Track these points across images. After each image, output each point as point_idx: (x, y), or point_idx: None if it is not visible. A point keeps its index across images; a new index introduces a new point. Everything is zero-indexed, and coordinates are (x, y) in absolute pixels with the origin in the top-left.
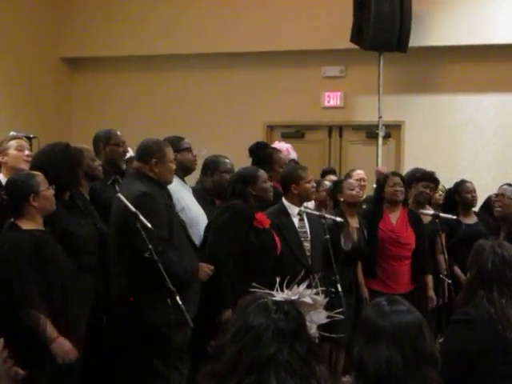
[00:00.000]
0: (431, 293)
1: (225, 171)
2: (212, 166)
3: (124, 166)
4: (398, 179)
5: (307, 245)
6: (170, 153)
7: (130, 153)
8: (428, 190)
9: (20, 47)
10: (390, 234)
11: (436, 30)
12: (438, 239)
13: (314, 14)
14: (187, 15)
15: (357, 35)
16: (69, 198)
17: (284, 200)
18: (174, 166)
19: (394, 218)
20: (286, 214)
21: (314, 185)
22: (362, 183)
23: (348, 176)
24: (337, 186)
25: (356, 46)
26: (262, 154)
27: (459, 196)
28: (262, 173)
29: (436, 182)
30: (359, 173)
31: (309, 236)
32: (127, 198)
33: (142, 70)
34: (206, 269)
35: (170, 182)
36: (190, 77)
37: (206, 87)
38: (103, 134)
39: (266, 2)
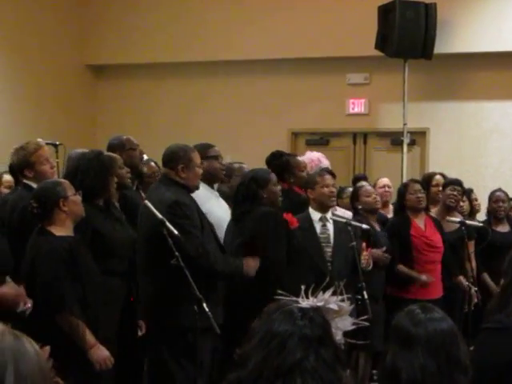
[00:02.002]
0: (469, 288)
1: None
2: (227, 172)
3: (144, 169)
4: (418, 186)
5: (329, 250)
6: (196, 158)
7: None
8: (456, 193)
9: (46, 55)
10: (423, 240)
11: (461, 36)
12: (465, 246)
13: (339, 21)
14: (211, 23)
15: (381, 42)
16: (103, 204)
17: (310, 207)
18: (200, 171)
19: (421, 223)
20: (308, 220)
21: (333, 190)
22: (387, 189)
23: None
24: (354, 194)
25: (381, 53)
26: (279, 162)
27: (489, 205)
28: (273, 176)
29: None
30: (383, 180)
31: (331, 242)
32: (157, 206)
33: (166, 77)
34: (251, 262)
35: (197, 187)
36: (214, 84)
37: (230, 94)
38: (117, 142)
39: (291, 10)
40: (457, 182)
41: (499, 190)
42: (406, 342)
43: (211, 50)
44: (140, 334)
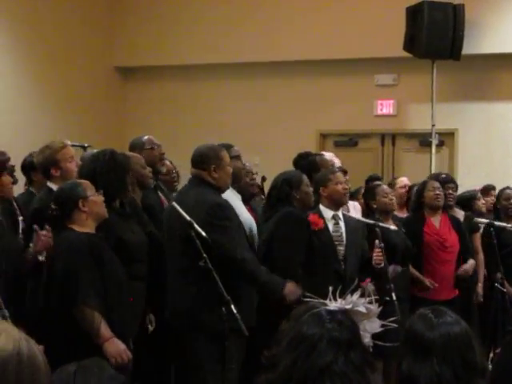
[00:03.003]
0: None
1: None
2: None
3: (164, 170)
4: (437, 184)
5: (341, 249)
6: (226, 157)
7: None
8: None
9: (76, 57)
10: (435, 238)
11: (489, 37)
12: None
13: (367, 22)
14: (239, 25)
15: (410, 43)
16: (120, 206)
17: (320, 204)
18: (231, 170)
19: (437, 222)
20: (321, 218)
21: (347, 187)
22: (407, 189)
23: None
24: (369, 192)
25: (409, 54)
26: (306, 162)
27: (499, 203)
28: (305, 177)
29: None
30: (403, 179)
31: (344, 240)
32: (195, 208)
33: (194, 79)
34: (292, 287)
35: (228, 187)
36: (243, 85)
37: (258, 96)
38: (137, 142)
39: (319, 12)
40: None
41: (508, 187)
42: (420, 349)
43: (239, 52)
44: (151, 328)
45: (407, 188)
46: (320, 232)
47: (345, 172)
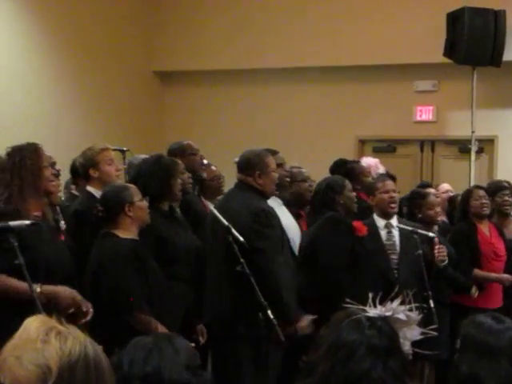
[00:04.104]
0: None
1: (302, 180)
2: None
3: (204, 175)
4: (482, 192)
5: (394, 258)
6: (272, 163)
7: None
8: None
9: (114, 61)
10: (490, 247)
11: None
12: None
13: (407, 28)
14: (279, 29)
15: (450, 49)
16: (168, 209)
17: (374, 213)
18: (276, 175)
19: (486, 230)
20: (373, 227)
21: (394, 195)
22: (450, 194)
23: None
24: (414, 201)
25: (449, 60)
26: (343, 170)
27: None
28: (348, 182)
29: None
30: (444, 186)
31: (397, 249)
32: (240, 213)
33: (232, 84)
34: (305, 323)
35: (273, 193)
36: (281, 90)
37: (297, 101)
38: (177, 147)
39: (359, 18)
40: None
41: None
42: (485, 352)
43: (278, 57)
44: (202, 341)
45: (449, 195)
46: (369, 239)
47: (393, 178)
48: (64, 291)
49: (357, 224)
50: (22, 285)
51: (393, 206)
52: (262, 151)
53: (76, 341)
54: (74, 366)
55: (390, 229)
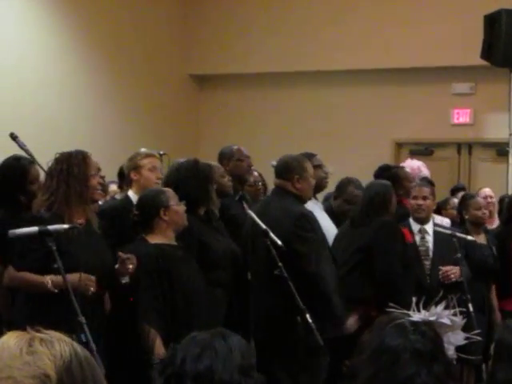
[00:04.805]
0: None
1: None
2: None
3: (250, 179)
4: None
5: (427, 263)
6: (309, 168)
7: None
8: None
9: (151, 65)
10: None
11: None
12: None
13: (444, 30)
14: (314, 33)
15: (487, 51)
16: (204, 214)
17: (410, 217)
18: (314, 181)
19: None
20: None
21: (420, 203)
22: (489, 200)
23: (473, 196)
24: (462, 203)
25: (486, 63)
26: (387, 175)
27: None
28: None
29: None
30: (485, 190)
31: (430, 254)
32: (280, 218)
33: (268, 87)
34: (354, 322)
35: (310, 198)
36: (317, 94)
37: (333, 104)
38: (226, 151)
39: (395, 20)
40: None
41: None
42: None
43: (315, 60)
44: None
45: (491, 199)
46: (409, 245)
47: (431, 184)
48: (72, 277)
49: (404, 231)
50: (37, 279)
51: (419, 212)
52: (300, 156)
53: (62, 342)
54: (70, 367)
55: (424, 234)
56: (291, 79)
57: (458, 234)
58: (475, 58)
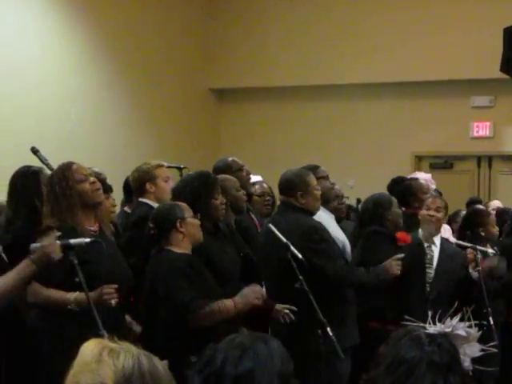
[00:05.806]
0: None
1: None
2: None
3: (253, 189)
4: None
5: (430, 272)
6: (312, 181)
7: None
8: None
9: (171, 78)
10: None
11: None
12: None
13: (463, 43)
14: (333, 46)
15: (507, 64)
16: (212, 226)
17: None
18: (319, 192)
19: None
20: (416, 239)
21: (432, 213)
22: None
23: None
24: (477, 218)
25: (506, 76)
26: (401, 188)
27: None
28: (394, 199)
29: None
30: (495, 202)
31: (434, 264)
32: (289, 234)
33: (287, 101)
34: (389, 265)
35: (318, 209)
36: (337, 107)
37: (352, 117)
38: (222, 165)
39: (415, 33)
40: None
41: None
42: None
43: (333, 74)
44: None
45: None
46: (410, 250)
47: (439, 193)
48: (94, 294)
49: (400, 234)
50: (61, 297)
51: (428, 222)
52: (301, 170)
53: (128, 354)
54: (130, 379)
55: (430, 244)
56: (310, 92)
57: (479, 248)
58: (495, 71)
